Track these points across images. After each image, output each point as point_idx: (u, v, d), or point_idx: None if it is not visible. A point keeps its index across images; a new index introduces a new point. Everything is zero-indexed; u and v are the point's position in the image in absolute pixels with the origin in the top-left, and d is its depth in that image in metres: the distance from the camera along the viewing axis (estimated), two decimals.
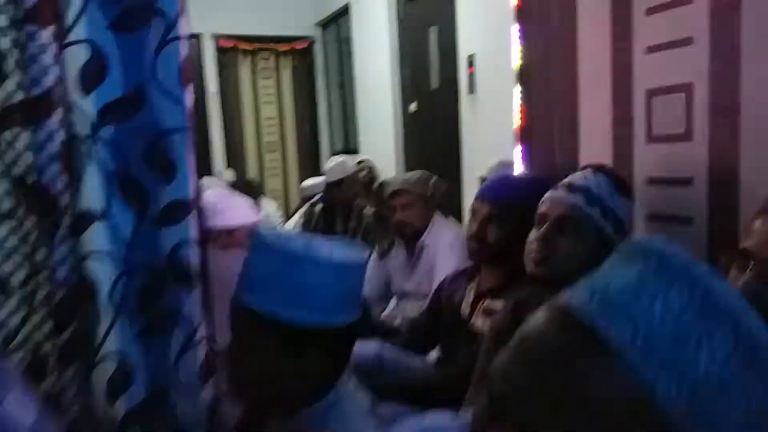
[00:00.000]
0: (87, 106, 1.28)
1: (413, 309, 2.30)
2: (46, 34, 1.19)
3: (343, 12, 5.31)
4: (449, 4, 3.88)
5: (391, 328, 2.55)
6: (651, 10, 1.34)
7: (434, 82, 4.36)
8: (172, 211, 1.37)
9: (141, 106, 1.32)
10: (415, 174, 2.43)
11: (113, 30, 1.28)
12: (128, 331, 1.38)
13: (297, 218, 3.60)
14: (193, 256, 1.40)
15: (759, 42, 1.11)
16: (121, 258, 1.35)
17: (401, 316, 2.48)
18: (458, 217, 3.68)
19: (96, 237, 1.31)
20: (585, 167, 1.35)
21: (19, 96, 1.21)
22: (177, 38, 1.32)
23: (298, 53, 5.89)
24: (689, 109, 1.27)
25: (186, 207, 1.37)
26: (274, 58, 5.85)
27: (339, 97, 5.80)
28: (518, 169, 1.82)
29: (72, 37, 1.24)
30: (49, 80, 1.20)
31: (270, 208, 5.00)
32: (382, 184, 2.50)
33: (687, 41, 1.26)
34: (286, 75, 5.92)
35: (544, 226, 1.28)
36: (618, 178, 1.31)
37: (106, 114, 1.30)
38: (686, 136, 1.28)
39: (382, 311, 2.61)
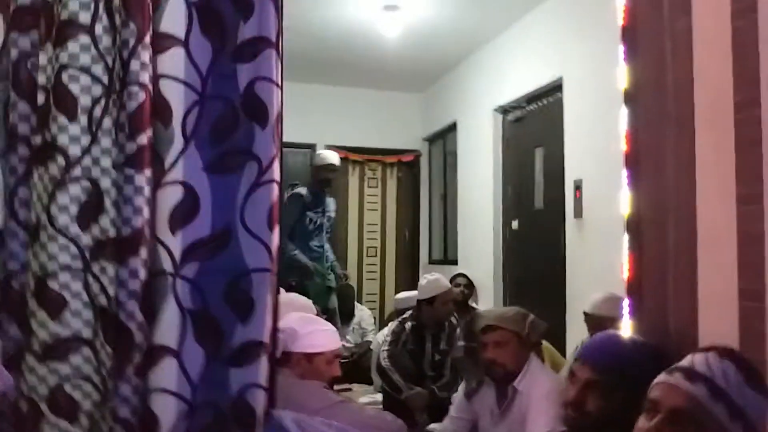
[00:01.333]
0: (173, 244, 1.30)
1: None
2: (142, 178, 1.24)
3: (451, 128, 5.43)
4: (556, 127, 3.83)
5: None
6: None
7: (538, 202, 4.26)
8: (244, 352, 1.33)
9: (226, 245, 1.33)
10: (511, 309, 2.26)
11: (208, 172, 1.32)
12: None
13: (386, 332, 3.50)
14: (259, 400, 1.34)
15: None
16: (187, 397, 1.31)
17: None
18: (561, 349, 3.42)
19: (165, 374, 1.30)
20: (709, 349, 1.16)
21: (112, 233, 1.25)
22: (269, 182, 1.34)
23: (404, 165, 6.04)
24: None
25: (258, 349, 1.33)
26: (381, 169, 6.02)
27: (441, 208, 5.81)
28: (625, 326, 1.64)
29: (169, 177, 1.29)
30: (138, 221, 1.24)
31: (364, 314, 4.95)
32: (474, 317, 2.37)
33: None
34: (392, 184, 6.06)
35: (656, 418, 1.09)
36: (749, 366, 1.11)
37: (191, 252, 1.31)
38: None
39: None
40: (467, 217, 5.07)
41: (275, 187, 1.35)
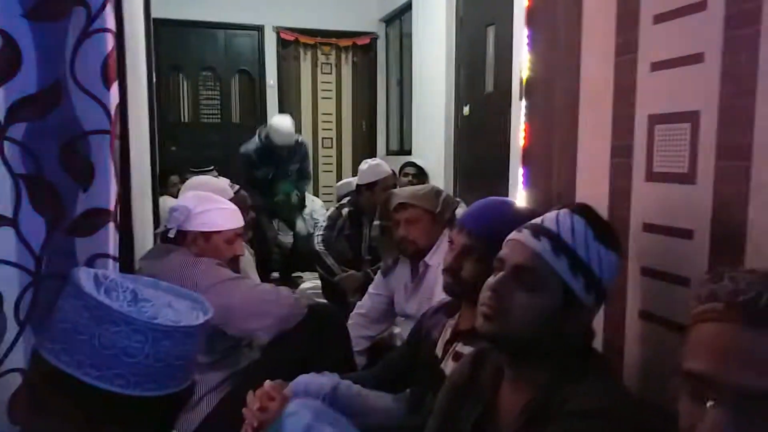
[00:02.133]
0: None
1: None
2: None
3: (407, 8, 5.12)
4: (507, 4, 3.60)
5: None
6: (659, 18, 1.06)
7: (489, 85, 4.10)
8: (87, 221, 1.24)
9: (57, 103, 1.19)
10: (425, 188, 2.19)
11: (29, 19, 1.16)
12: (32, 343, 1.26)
13: (322, 219, 3.46)
14: (111, 269, 1.26)
15: None
16: (30, 268, 1.23)
17: (401, 339, 2.28)
18: None
19: (3, 244, 1.21)
20: (563, 206, 1.09)
21: None
22: (101, 30, 1.18)
23: (359, 49, 5.75)
24: (694, 143, 0.99)
25: (103, 217, 1.24)
26: (336, 53, 5.73)
27: (398, 95, 5.61)
28: (517, 196, 1.57)
29: None
30: None
31: (316, 204, 4.90)
32: (389, 196, 2.30)
33: (696, 58, 0.98)
34: (346, 70, 5.79)
35: (499, 274, 1.04)
36: (600, 222, 1.05)
37: (16, 111, 1.18)
38: (689, 176, 1.00)
39: (383, 332, 2.42)
40: (421, 104, 4.90)
41: (109, 37, 1.19)
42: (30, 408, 0.89)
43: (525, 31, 1.54)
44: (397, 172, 4.30)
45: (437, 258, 2.08)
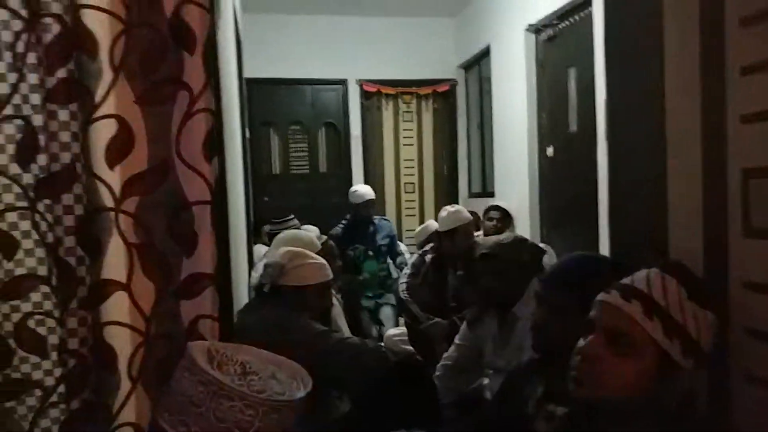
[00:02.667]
0: (112, 179, 1.30)
1: None
2: (66, 112, 1.22)
3: (485, 53, 5.17)
4: (588, 45, 3.57)
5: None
6: (746, 70, 1.03)
7: (572, 125, 4.04)
8: (191, 285, 1.33)
9: (165, 178, 1.31)
10: (508, 237, 2.17)
11: (140, 104, 1.30)
12: (145, 403, 1.36)
13: (407, 266, 3.48)
14: (211, 330, 1.35)
15: None
16: (141, 329, 1.34)
17: (490, 393, 2.23)
18: None
19: (117, 307, 1.32)
20: (654, 263, 1.07)
21: (46, 171, 1.25)
22: (202, 111, 1.30)
23: (439, 95, 5.84)
24: None
25: (206, 281, 1.33)
26: (416, 101, 5.86)
27: (479, 138, 5.63)
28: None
29: (100, 112, 1.27)
30: (67, 157, 1.23)
31: (401, 248, 4.95)
32: (473, 246, 2.29)
33: None
34: (427, 117, 5.89)
35: (591, 338, 1.03)
36: (693, 281, 1.02)
37: (130, 186, 1.31)
38: None
39: (472, 384, 2.38)
40: (503, 146, 4.89)
41: (209, 117, 1.31)
42: None
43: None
44: (482, 216, 4.30)
45: (526, 309, 2.05)
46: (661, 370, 0.96)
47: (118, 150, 1.29)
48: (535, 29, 4.34)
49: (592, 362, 0.99)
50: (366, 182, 5.59)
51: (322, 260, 1.96)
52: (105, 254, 1.30)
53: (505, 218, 4.20)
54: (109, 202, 1.30)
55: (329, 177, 5.76)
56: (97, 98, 1.27)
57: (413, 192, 5.91)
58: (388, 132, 5.83)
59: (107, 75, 1.28)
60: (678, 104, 1.22)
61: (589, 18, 3.62)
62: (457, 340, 2.37)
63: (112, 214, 1.30)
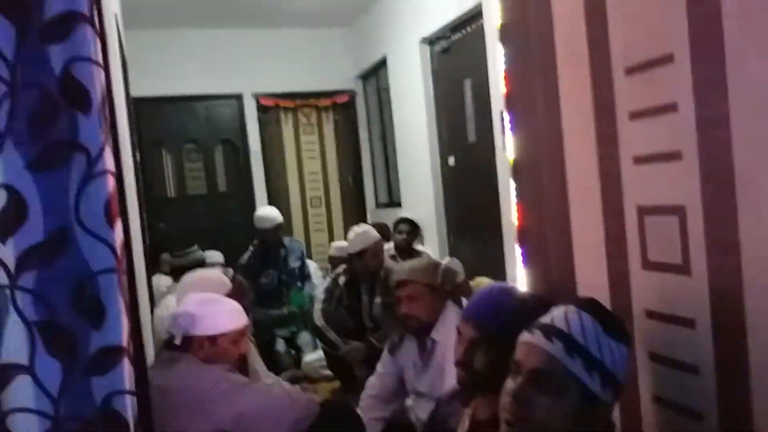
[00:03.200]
0: (5, 254, 1.19)
1: (427, 410, 2.08)
2: None
3: (382, 64, 5.24)
4: (482, 56, 3.71)
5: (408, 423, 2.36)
6: (634, 115, 1.11)
7: (471, 136, 4.19)
8: (102, 359, 1.25)
9: (64, 248, 1.22)
10: (422, 262, 2.22)
11: (31, 170, 1.20)
12: None
13: (320, 291, 3.45)
14: (128, 406, 1.27)
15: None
16: (49, 412, 1.24)
17: (415, 416, 2.27)
18: (502, 277, 3.45)
19: (20, 393, 1.21)
20: (570, 302, 1.13)
21: None
22: (102, 173, 1.22)
23: (340, 107, 5.86)
24: (684, 236, 1.03)
25: (118, 354, 1.25)
26: (316, 113, 5.84)
27: (381, 149, 5.70)
28: (517, 278, 1.61)
29: None
30: None
31: (310, 267, 4.91)
32: (388, 272, 2.32)
33: (675, 155, 1.03)
34: (329, 129, 5.89)
35: (518, 380, 1.07)
36: (607, 316, 1.09)
37: (26, 260, 1.20)
38: (684, 268, 1.04)
39: (396, 410, 2.40)
40: (406, 156, 4.98)
41: (110, 179, 1.23)
42: None
43: (506, 115, 1.60)
44: (392, 228, 4.35)
45: (444, 332, 2.10)
46: (584, 404, 1.02)
47: (10, 222, 1.18)
48: (429, 41, 4.46)
49: (522, 403, 1.04)
50: (270, 198, 5.51)
51: (236, 304, 1.90)
52: (2, 336, 1.19)
53: (414, 230, 4.28)
54: (3, 279, 1.19)
55: (230, 197, 5.60)
56: None
57: (320, 206, 5.88)
58: (290, 146, 5.77)
59: None
60: (576, 147, 1.30)
61: (480, 30, 3.76)
62: (379, 369, 2.38)
63: (8, 291, 1.19)
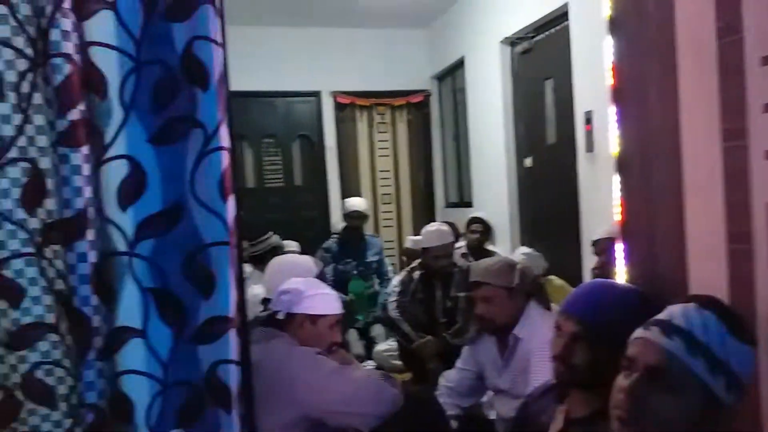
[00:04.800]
0: (124, 223, 1.25)
1: (508, 408, 2.05)
2: (79, 155, 1.17)
3: (459, 64, 5.22)
4: (565, 57, 3.63)
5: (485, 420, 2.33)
6: None
7: (550, 137, 4.10)
8: (210, 329, 1.29)
9: (179, 219, 1.27)
10: (497, 263, 2.16)
11: (152, 143, 1.25)
12: None
13: (396, 282, 3.47)
14: (232, 376, 1.31)
15: None
16: (158, 376, 1.29)
17: (496, 413, 2.24)
18: (579, 283, 3.36)
19: (133, 355, 1.27)
20: (690, 299, 1.08)
21: (57, 215, 1.20)
22: (217, 149, 1.26)
23: (414, 106, 5.87)
24: None
25: (225, 324, 1.29)
26: (390, 112, 5.87)
27: (454, 148, 5.67)
28: (619, 273, 1.55)
29: (111, 153, 1.23)
30: (80, 203, 1.18)
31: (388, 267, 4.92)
32: (468, 270, 2.30)
33: None
34: (402, 128, 5.91)
35: (633, 377, 1.03)
36: (733, 315, 1.03)
37: (144, 229, 1.26)
38: None
39: (473, 406, 2.38)
40: (480, 156, 4.94)
41: (225, 155, 1.27)
42: None
43: (612, 108, 1.55)
44: (464, 227, 4.31)
45: (527, 330, 2.06)
46: (705, 406, 0.97)
47: (131, 191, 1.24)
48: (511, 42, 4.40)
49: (636, 400, 1.00)
50: (342, 194, 5.59)
51: (335, 293, 1.93)
52: (119, 301, 1.25)
53: (486, 230, 4.23)
54: (121, 246, 1.25)
55: (304, 190, 5.71)
56: (107, 138, 1.22)
57: (390, 203, 5.91)
58: (363, 143, 5.83)
59: (117, 114, 1.23)
60: (695, 140, 1.24)
61: (565, 31, 3.68)
62: (458, 364, 2.36)
63: (126, 258, 1.25)
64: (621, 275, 1.55)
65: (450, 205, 5.75)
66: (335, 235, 4.38)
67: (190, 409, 1.30)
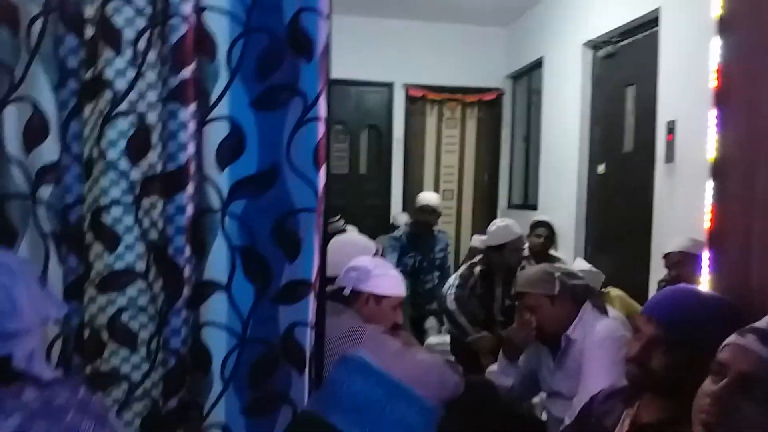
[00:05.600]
0: (220, 181, 1.30)
1: (562, 409, 2.02)
2: (186, 113, 1.23)
3: (537, 65, 5.13)
4: (650, 64, 3.52)
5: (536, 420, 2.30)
6: None
7: (627, 144, 3.99)
8: (291, 291, 1.33)
9: (273, 183, 1.31)
10: (537, 272, 2.12)
11: (254, 108, 1.30)
12: (235, 405, 1.36)
13: (455, 276, 3.45)
14: (307, 338, 1.34)
15: None
16: (237, 331, 1.34)
17: (548, 413, 2.21)
18: (643, 297, 3.27)
19: (216, 308, 1.32)
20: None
21: (159, 168, 1.26)
22: (315, 119, 1.29)
23: (485, 104, 5.81)
24: None
25: (306, 288, 1.33)
26: (461, 108, 5.83)
27: (523, 150, 5.59)
28: (704, 281, 1.50)
29: (214, 113, 1.28)
30: (183, 157, 1.24)
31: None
32: (521, 261, 2.27)
33: None
34: (471, 125, 5.86)
35: (723, 382, 1.00)
36: None
37: (238, 189, 1.31)
38: None
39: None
40: (550, 159, 4.84)
41: (321, 125, 1.30)
42: None
43: (713, 112, 1.50)
44: (528, 230, 4.24)
45: (580, 331, 2.02)
46: None
47: (229, 152, 1.29)
48: (594, 45, 4.30)
49: (724, 407, 0.97)
50: (405, 185, 5.60)
51: (400, 275, 1.95)
52: (209, 255, 1.30)
53: (551, 235, 4.15)
54: (216, 203, 1.30)
55: (369, 179, 5.75)
56: (212, 99, 1.28)
57: (452, 199, 5.88)
58: (431, 137, 5.81)
59: (223, 77, 1.28)
60: None
61: (654, 37, 3.57)
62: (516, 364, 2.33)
63: (219, 215, 1.30)
64: (704, 284, 1.50)
65: (513, 206, 5.67)
66: (405, 226, 4.36)
67: (265, 366, 1.35)
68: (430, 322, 3.90)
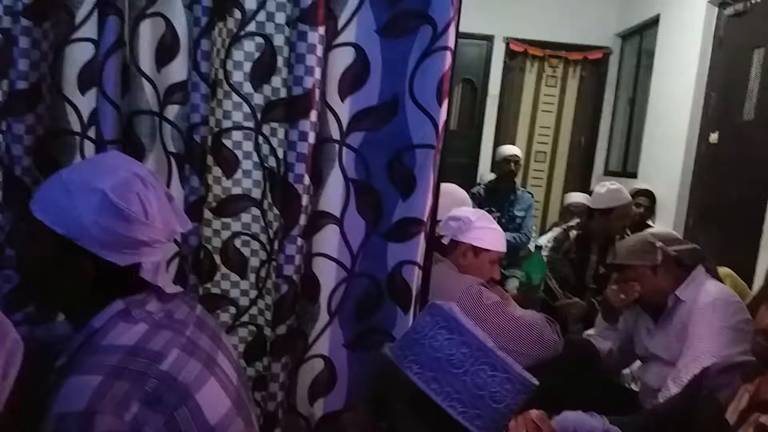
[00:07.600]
0: (342, 111, 1.27)
1: (658, 376, 1.92)
2: (315, 35, 1.20)
3: (652, 23, 4.78)
4: None
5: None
6: None
7: (748, 113, 3.67)
8: (402, 229, 1.30)
9: (393, 116, 1.27)
10: (637, 242, 1.98)
11: (381, 34, 1.25)
12: (339, 338, 1.37)
13: (549, 237, 3.34)
14: (415, 277, 1.32)
15: None
16: (347, 265, 1.33)
17: (641, 383, 2.11)
18: (748, 280, 3.05)
19: (327, 240, 1.32)
20: None
21: (283, 93, 1.24)
22: (443, 49, 1.23)
23: (589, 63, 5.50)
24: None
25: (418, 227, 1.30)
26: (563, 66, 5.55)
27: (626, 113, 5.28)
28: None
29: (340, 38, 1.24)
30: (309, 82, 1.21)
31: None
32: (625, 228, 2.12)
33: None
34: (572, 84, 5.58)
35: None
36: None
37: (358, 120, 1.28)
38: None
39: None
40: (657, 125, 4.55)
41: (448, 56, 1.24)
42: (371, 418, 0.95)
43: None
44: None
45: (691, 292, 1.90)
46: None
47: (352, 81, 1.26)
48: (720, 2, 3.94)
49: None
50: (496, 144, 5.44)
51: (502, 231, 1.89)
52: (324, 186, 1.29)
53: (652, 205, 3.93)
54: (335, 133, 1.28)
55: (459, 136, 5.61)
56: (341, 24, 1.24)
57: (544, 161, 5.68)
58: (528, 95, 5.60)
59: (353, 0, 1.24)
60: None
61: None
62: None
63: (337, 146, 1.28)
64: None
65: (609, 173, 5.39)
66: (489, 181, 4.26)
67: (371, 301, 1.34)
68: (512, 284, 3.81)
